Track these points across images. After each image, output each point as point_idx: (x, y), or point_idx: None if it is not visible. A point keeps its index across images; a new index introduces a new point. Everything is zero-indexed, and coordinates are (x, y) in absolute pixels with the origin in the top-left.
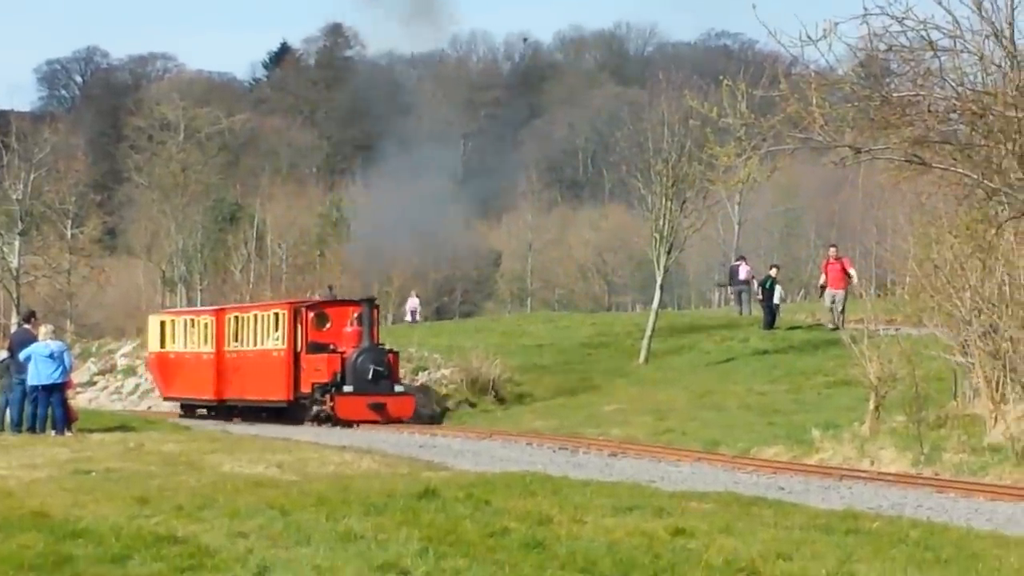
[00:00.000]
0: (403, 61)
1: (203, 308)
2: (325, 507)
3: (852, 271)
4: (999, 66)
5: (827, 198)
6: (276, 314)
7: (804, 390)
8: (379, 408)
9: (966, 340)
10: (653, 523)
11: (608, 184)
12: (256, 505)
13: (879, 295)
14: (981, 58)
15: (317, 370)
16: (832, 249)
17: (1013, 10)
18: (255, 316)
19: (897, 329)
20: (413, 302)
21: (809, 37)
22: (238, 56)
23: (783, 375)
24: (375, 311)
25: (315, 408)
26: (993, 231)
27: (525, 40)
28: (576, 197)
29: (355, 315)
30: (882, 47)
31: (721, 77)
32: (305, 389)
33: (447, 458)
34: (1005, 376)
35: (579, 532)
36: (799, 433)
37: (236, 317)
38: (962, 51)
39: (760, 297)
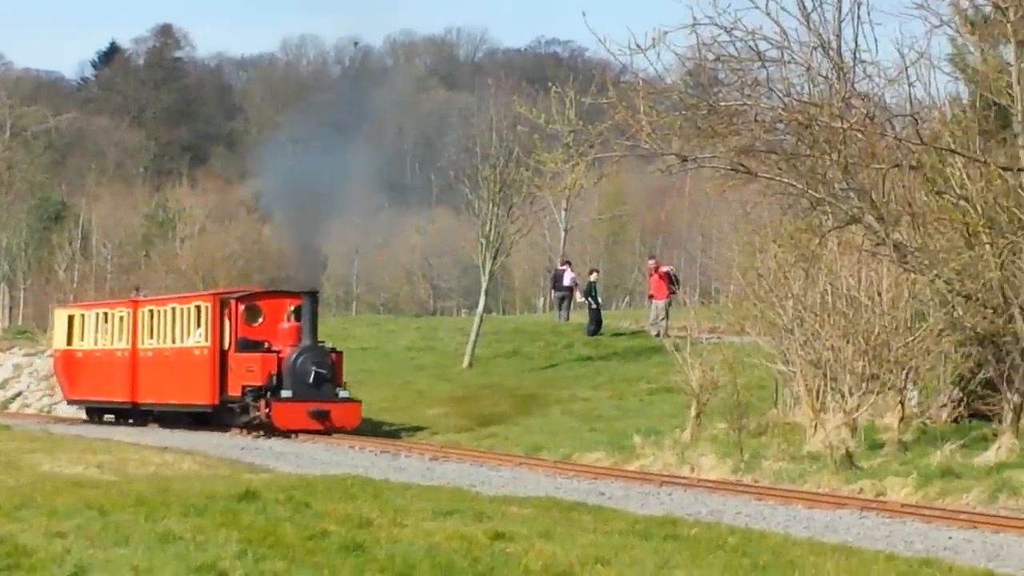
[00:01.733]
0: (233, 63)
1: (117, 300)
2: (144, 508)
3: (666, 269)
4: (825, 77)
5: (653, 206)
6: (198, 307)
7: (627, 396)
8: (322, 416)
9: (788, 348)
10: (473, 527)
11: (436, 189)
12: (75, 505)
13: (703, 303)
14: (808, 69)
15: (249, 371)
16: (651, 260)
17: (840, 22)
18: (173, 309)
19: (720, 337)
20: None
21: (638, 46)
22: (67, 55)
23: (606, 381)
24: (316, 305)
25: (246, 415)
26: (817, 240)
27: (356, 44)
28: (403, 201)
29: (293, 309)
30: (710, 57)
31: (550, 84)
32: (234, 392)
33: (268, 461)
34: (826, 385)
35: (399, 535)
36: (621, 439)
37: (152, 311)
38: (789, 62)
39: (588, 302)
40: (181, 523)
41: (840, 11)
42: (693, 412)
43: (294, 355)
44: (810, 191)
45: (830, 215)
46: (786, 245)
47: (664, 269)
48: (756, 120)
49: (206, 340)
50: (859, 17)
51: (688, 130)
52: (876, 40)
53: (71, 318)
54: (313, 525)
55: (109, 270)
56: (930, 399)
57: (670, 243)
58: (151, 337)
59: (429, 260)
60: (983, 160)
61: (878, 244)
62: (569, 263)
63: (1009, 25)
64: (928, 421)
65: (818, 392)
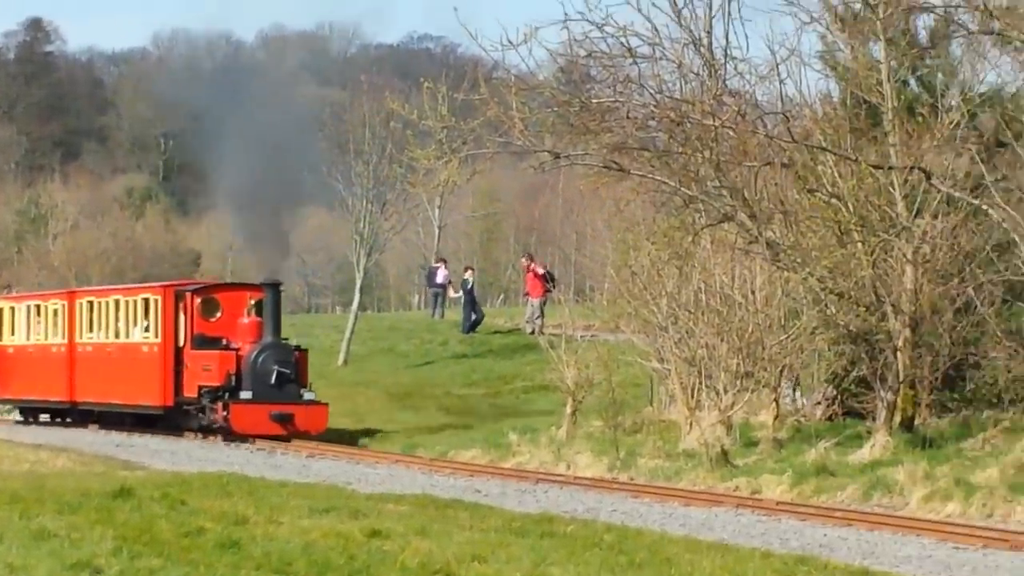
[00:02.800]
0: (104, 57)
1: (52, 291)
2: (18, 505)
3: (542, 271)
4: (697, 74)
5: (527, 203)
6: (146, 299)
7: (503, 394)
8: (285, 420)
9: (662, 346)
10: (349, 524)
11: (308, 185)
12: None
13: (577, 301)
14: (679, 66)
15: (205, 370)
16: (524, 259)
17: (711, 19)
18: (116, 301)
19: (594, 335)
20: None
21: (510, 41)
22: None
23: (481, 379)
24: (279, 298)
25: (202, 417)
26: (690, 238)
27: (227, 39)
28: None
29: (253, 302)
30: (582, 53)
31: (422, 79)
32: (189, 393)
33: (144, 458)
34: (700, 382)
35: (275, 533)
36: (496, 437)
37: (91, 302)
38: (661, 59)
39: (462, 299)
40: (55, 520)
41: (711, 8)
42: (569, 410)
43: (255, 353)
44: (683, 189)
45: (703, 213)
46: (659, 243)
47: (539, 270)
48: (628, 117)
49: (156, 336)
50: (729, 14)
51: (561, 127)
52: (747, 37)
53: (0, 311)
54: (189, 522)
55: None
56: (804, 396)
57: (544, 240)
58: (90, 331)
59: (302, 257)
60: (854, 158)
61: (751, 242)
62: (444, 260)
63: (879, 22)
64: (802, 419)
65: (693, 390)
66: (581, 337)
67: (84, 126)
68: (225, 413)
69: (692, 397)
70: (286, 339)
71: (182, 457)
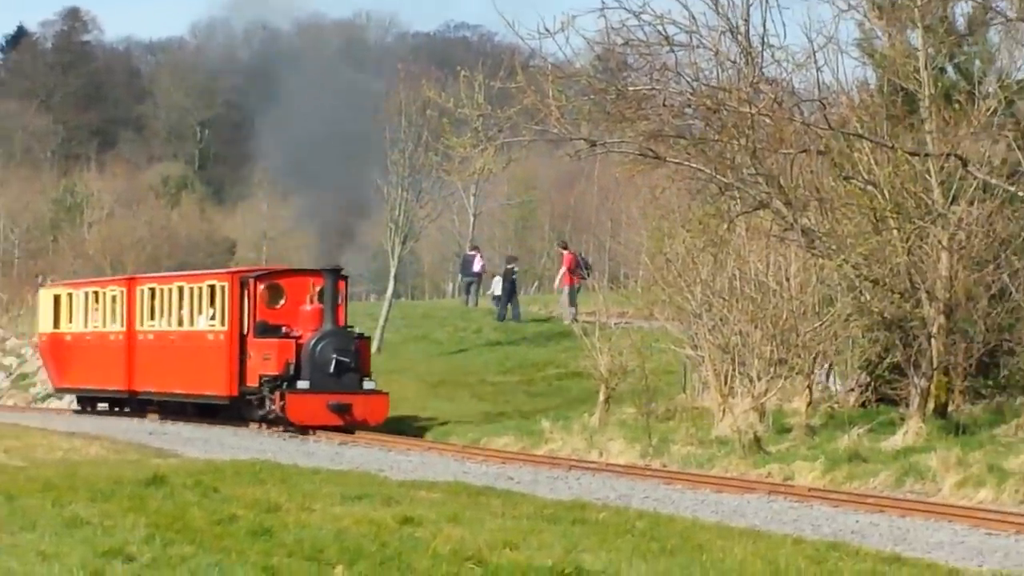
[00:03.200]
0: (141, 47)
1: (110, 277)
2: (52, 493)
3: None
4: (734, 62)
5: (562, 191)
6: (212, 286)
7: (536, 381)
8: (342, 410)
9: (696, 333)
10: (381, 511)
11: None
12: None
13: (612, 288)
14: (716, 54)
15: (266, 359)
16: (561, 247)
17: (748, 6)
18: (180, 288)
19: (628, 322)
20: None
21: (547, 29)
22: None
23: (515, 366)
24: (342, 284)
25: (263, 408)
26: (725, 226)
27: (264, 28)
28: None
29: (316, 289)
30: (619, 41)
31: (459, 68)
32: (252, 383)
33: (177, 446)
34: (734, 370)
35: (307, 520)
36: (529, 424)
37: (152, 289)
38: (698, 46)
39: (498, 292)
40: (88, 508)
41: None
42: (602, 397)
43: (314, 341)
44: (718, 176)
45: (738, 200)
46: (694, 230)
47: (569, 254)
48: (664, 105)
49: (222, 323)
50: (767, 2)
51: (597, 115)
52: (784, 25)
53: (57, 298)
54: (221, 510)
55: (17, 255)
56: (838, 383)
57: (579, 228)
58: (152, 319)
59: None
60: (890, 145)
61: (786, 229)
62: (478, 248)
63: (916, 10)
64: (835, 406)
65: (726, 377)
66: (615, 324)
67: (121, 115)
68: (282, 403)
69: (725, 384)
70: (350, 327)
71: (214, 445)
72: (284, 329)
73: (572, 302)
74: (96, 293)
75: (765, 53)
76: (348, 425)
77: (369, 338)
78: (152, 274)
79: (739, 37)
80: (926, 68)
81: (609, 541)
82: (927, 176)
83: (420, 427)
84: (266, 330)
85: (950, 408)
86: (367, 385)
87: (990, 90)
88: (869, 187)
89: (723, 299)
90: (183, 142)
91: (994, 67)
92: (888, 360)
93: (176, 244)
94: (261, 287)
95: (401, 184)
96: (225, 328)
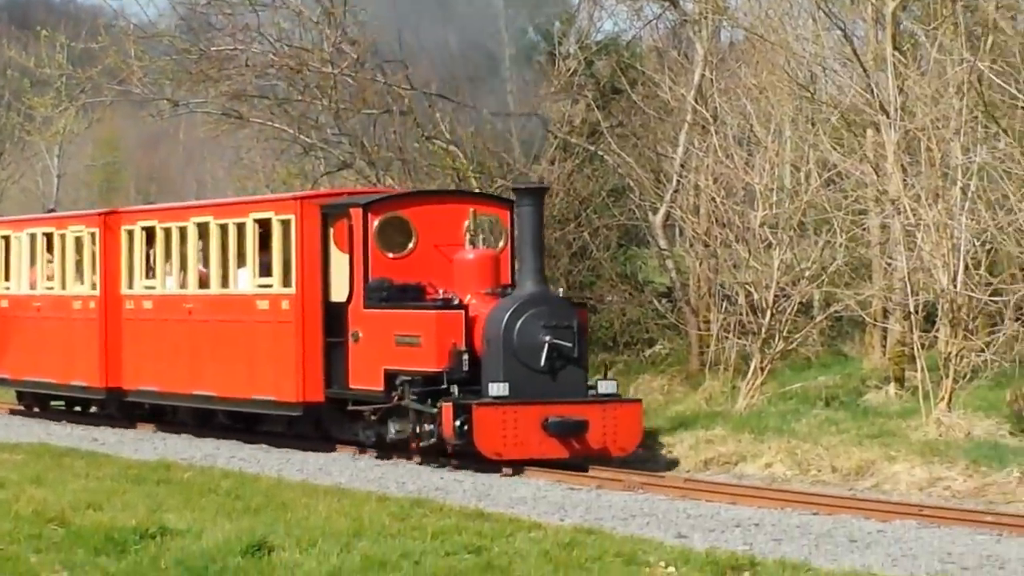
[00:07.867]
0: None
1: (75, 212)
2: None
3: None
4: (317, 23)
5: (148, 152)
6: (264, 221)
7: None
8: (571, 430)
9: None
10: None
11: None
12: None
13: None
14: (299, 15)
15: (403, 343)
16: None
17: None
18: (202, 225)
19: None
20: None
21: None
22: None
23: None
24: (541, 215)
25: (403, 424)
26: (309, 186)
27: None
28: None
29: (484, 221)
30: (202, 1)
31: (39, 28)
32: (363, 382)
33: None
34: None
35: None
36: None
37: (149, 228)
38: (281, 7)
39: None
40: None
41: None
42: None
43: (507, 313)
44: (302, 136)
45: (323, 160)
46: (279, 190)
47: None
48: (247, 65)
49: (287, 284)
50: None
51: (180, 75)
52: None
53: None
54: None
55: None
56: None
57: (165, 190)
58: (149, 276)
59: None
60: (471, 105)
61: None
62: (53, 211)
63: None
64: None
65: None
66: None
67: None
68: (462, 422)
69: None
70: (557, 290)
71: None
72: (429, 291)
73: None
74: (49, 236)
75: (348, 15)
76: (578, 456)
77: (587, 307)
78: (147, 206)
79: None
80: (506, 29)
81: (194, 500)
82: (508, 136)
83: None
84: (395, 293)
85: None
86: (604, 388)
87: (570, 51)
88: (451, 147)
89: None
90: None
91: (574, 28)
92: None
93: None
94: (374, 221)
95: None
96: (293, 291)
